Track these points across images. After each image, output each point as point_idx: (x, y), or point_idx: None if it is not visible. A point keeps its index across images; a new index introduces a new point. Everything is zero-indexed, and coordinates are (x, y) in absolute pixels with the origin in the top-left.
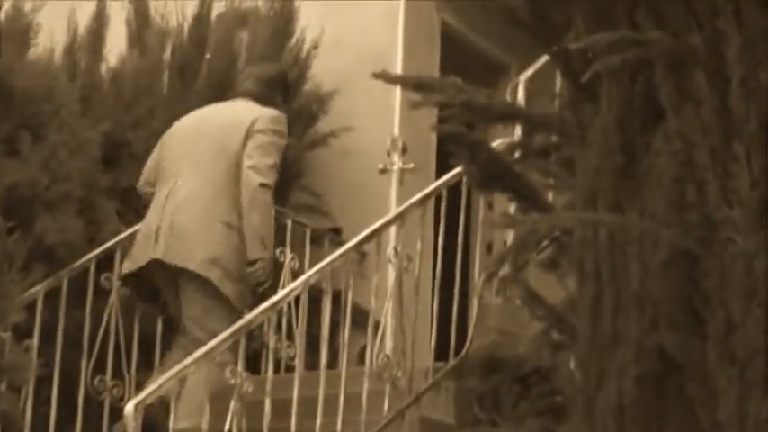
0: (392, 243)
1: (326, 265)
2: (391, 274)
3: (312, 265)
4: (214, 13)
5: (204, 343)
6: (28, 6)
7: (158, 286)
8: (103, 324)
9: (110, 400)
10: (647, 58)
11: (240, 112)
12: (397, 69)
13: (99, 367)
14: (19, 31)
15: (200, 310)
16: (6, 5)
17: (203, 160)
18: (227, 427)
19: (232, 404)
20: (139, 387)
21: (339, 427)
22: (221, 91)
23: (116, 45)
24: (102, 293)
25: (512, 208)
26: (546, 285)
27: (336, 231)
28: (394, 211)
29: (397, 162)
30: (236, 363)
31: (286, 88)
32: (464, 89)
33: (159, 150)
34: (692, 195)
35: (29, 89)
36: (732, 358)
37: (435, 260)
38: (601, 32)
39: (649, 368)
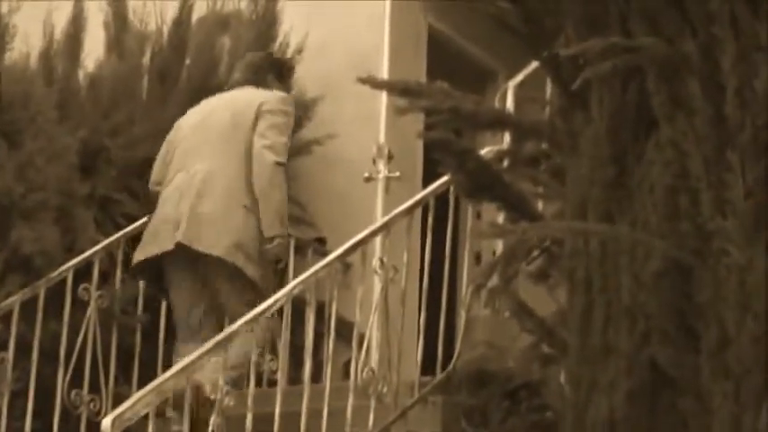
0: (378, 254)
1: (310, 275)
2: (377, 285)
3: (296, 275)
4: (195, 17)
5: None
6: (3, 9)
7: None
8: (81, 336)
9: (87, 415)
10: (639, 64)
11: (247, 97)
12: (383, 74)
13: (76, 381)
14: None
15: (224, 296)
16: None
17: (216, 147)
18: None
19: (213, 419)
20: (117, 401)
21: None
22: (202, 96)
23: (94, 49)
24: (79, 305)
25: (501, 217)
26: (536, 297)
27: (320, 241)
28: (380, 220)
29: (382, 170)
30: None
31: (277, 67)
32: (452, 95)
33: (166, 148)
34: (685, 205)
35: (4, 95)
36: (726, 373)
37: (422, 271)
38: (592, 38)
39: (641, 382)
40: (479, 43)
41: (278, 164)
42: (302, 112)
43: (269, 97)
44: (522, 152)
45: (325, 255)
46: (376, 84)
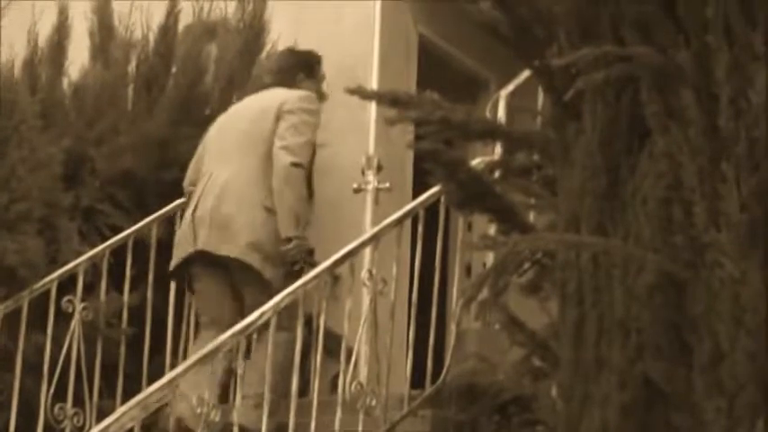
0: (367, 265)
1: (298, 288)
2: (366, 297)
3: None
4: (181, 24)
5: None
6: None
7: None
8: (64, 349)
9: (70, 429)
10: (632, 74)
11: (268, 98)
12: (373, 84)
13: (59, 394)
14: None
15: (248, 299)
16: None
17: (238, 149)
18: None
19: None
20: (101, 415)
21: None
22: (188, 105)
23: (78, 57)
24: (63, 317)
25: (492, 229)
26: (527, 310)
27: (309, 253)
28: (369, 232)
29: (372, 181)
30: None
31: (307, 65)
32: (442, 105)
33: (200, 149)
34: (678, 217)
35: None
36: (720, 388)
37: (412, 283)
38: (585, 47)
39: (634, 397)
40: (470, 52)
41: (294, 164)
42: None
43: (289, 97)
44: (513, 163)
45: (313, 266)
46: (365, 94)
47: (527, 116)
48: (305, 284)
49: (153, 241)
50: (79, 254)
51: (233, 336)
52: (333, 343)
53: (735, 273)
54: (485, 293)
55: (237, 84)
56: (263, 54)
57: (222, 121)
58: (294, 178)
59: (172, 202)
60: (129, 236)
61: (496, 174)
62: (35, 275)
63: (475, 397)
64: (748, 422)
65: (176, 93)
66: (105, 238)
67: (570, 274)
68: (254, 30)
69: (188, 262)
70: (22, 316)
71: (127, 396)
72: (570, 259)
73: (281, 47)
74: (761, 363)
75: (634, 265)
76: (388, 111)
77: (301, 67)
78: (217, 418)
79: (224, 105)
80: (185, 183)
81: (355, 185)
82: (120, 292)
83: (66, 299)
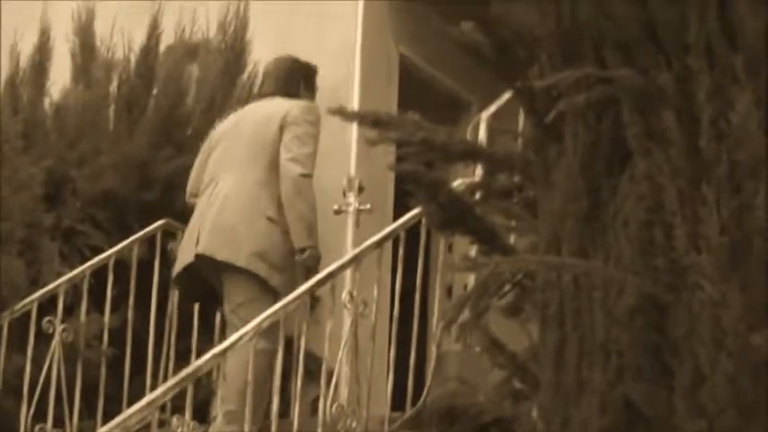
0: (347, 287)
1: (279, 309)
2: (346, 319)
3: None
4: (163, 46)
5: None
6: None
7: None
8: (44, 370)
9: None
10: (613, 96)
11: (271, 107)
12: (354, 105)
13: (39, 415)
14: None
15: (241, 299)
16: None
17: (241, 158)
18: None
19: None
20: None
21: None
22: (170, 126)
23: (60, 78)
24: (43, 338)
25: (472, 250)
26: (508, 332)
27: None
28: (350, 253)
29: (353, 202)
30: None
31: (307, 76)
32: (423, 126)
33: (200, 158)
34: (659, 240)
35: None
36: (700, 411)
37: (392, 305)
38: (566, 69)
39: (614, 420)
40: (452, 73)
41: (302, 175)
42: None
43: (292, 107)
44: (494, 184)
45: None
46: (347, 115)
47: (508, 138)
48: (285, 306)
49: (134, 262)
50: (60, 275)
51: (212, 358)
52: (313, 365)
53: (715, 295)
54: (465, 315)
55: (219, 105)
56: (245, 75)
57: (225, 128)
58: (304, 188)
59: (153, 222)
60: (109, 257)
61: (477, 195)
62: (16, 296)
63: (455, 419)
64: None
65: (157, 114)
66: (86, 259)
67: (551, 295)
68: (236, 51)
69: (190, 271)
70: (2, 336)
71: (107, 417)
72: (551, 281)
73: (262, 69)
74: (741, 385)
75: (615, 287)
76: (370, 132)
77: (302, 77)
78: None
79: (205, 126)
80: (187, 195)
81: (336, 207)
82: (101, 313)
83: (46, 320)
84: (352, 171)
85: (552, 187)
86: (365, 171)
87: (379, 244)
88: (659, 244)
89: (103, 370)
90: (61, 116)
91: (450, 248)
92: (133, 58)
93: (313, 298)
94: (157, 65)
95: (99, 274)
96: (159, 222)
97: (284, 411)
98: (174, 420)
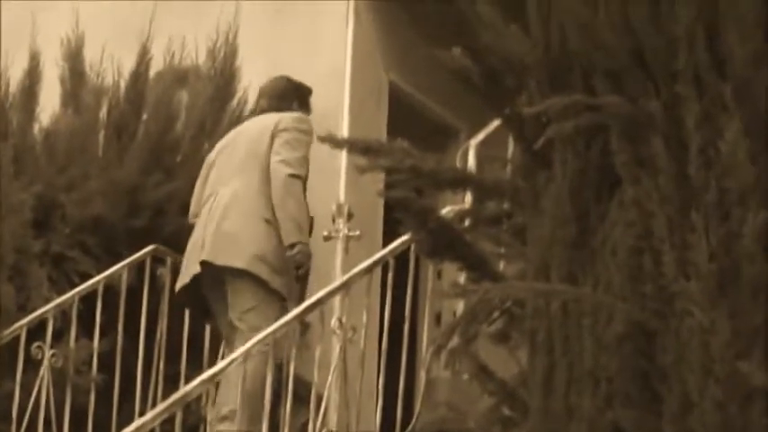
0: (336, 313)
1: (268, 335)
2: (335, 345)
3: None
4: (152, 71)
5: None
6: None
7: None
8: (34, 395)
9: None
10: (602, 123)
11: (265, 120)
12: (343, 132)
13: None
14: None
15: (248, 305)
16: None
17: (239, 169)
18: None
19: None
20: None
21: None
22: (159, 152)
23: (49, 103)
24: (32, 364)
25: (461, 277)
26: (497, 359)
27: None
28: (339, 279)
29: (342, 229)
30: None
31: (301, 95)
32: (412, 153)
33: (200, 180)
34: (648, 267)
35: None
36: None
37: (381, 331)
38: (555, 97)
39: None
40: (441, 100)
41: (291, 176)
42: None
43: (284, 117)
44: (483, 211)
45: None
46: (336, 142)
47: (497, 165)
48: (274, 332)
49: (123, 288)
50: (48, 300)
51: (201, 383)
52: (303, 390)
53: (704, 322)
54: (455, 341)
55: (208, 130)
56: (234, 101)
57: (222, 145)
58: (293, 188)
59: (142, 248)
60: (98, 282)
61: (466, 222)
62: (5, 321)
63: None
64: None
65: (147, 139)
66: (75, 285)
67: (540, 322)
68: (225, 77)
69: (199, 282)
70: None
71: None
72: (540, 308)
73: (251, 96)
74: (730, 412)
75: (604, 313)
76: (359, 159)
77: (296, 96)
78: None
79: (195, 152)
80: (190, 215)
81: (326, 233)
82: (90, 338)
83: (35, 345)
84: (342, 198)
85: (541, 214)
86: (354, 198)
87: (369, 270)
88: (648, 270)
89: (93, 395)
90: (51, 141)
91: (439, 275)
92: (123, 84)
93: (302, 324)
94: (147, 91)
95: (88, 299)
96: (149, 248)
97: None
98: None
